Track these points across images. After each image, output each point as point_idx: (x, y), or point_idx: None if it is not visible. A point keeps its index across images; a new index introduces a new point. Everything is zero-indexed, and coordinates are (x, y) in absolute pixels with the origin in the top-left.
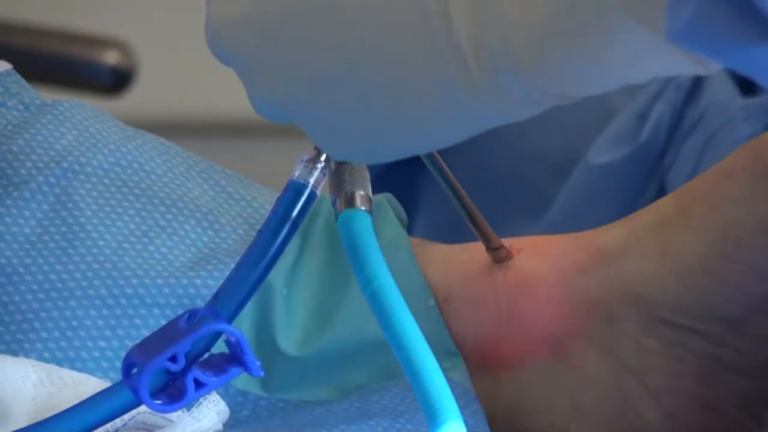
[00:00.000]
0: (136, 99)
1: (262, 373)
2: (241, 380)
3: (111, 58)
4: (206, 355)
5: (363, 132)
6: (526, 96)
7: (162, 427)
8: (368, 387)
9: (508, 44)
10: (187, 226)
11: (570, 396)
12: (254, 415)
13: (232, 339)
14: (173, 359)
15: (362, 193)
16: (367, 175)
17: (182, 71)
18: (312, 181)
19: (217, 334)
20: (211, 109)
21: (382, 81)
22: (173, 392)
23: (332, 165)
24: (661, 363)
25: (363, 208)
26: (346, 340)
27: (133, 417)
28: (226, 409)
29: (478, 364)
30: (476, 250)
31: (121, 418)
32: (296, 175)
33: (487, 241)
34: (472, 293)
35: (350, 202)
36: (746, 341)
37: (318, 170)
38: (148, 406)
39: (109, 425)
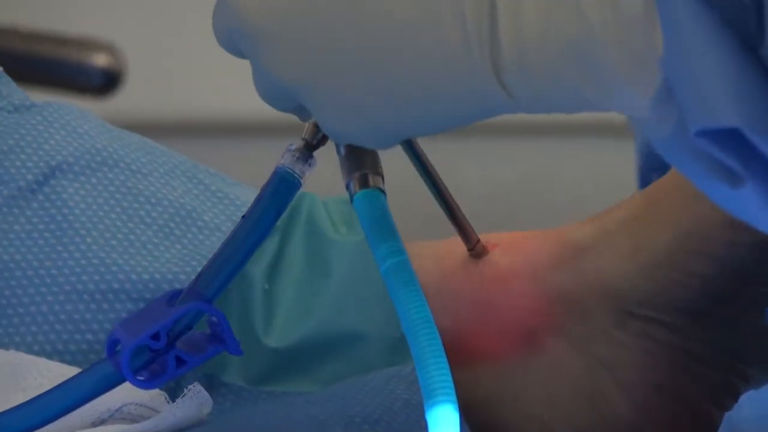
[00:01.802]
0: (124, 101)
1: (242, 352)
2: (224, 372)
3: (100, 60)
4: (188, 334)
5: (384, 112)
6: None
7: (148, 418)
8: (346, 379)
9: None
10: (171, 224)
11: (544, 388)
12: (237, 406)
13: (214, 319)
14: (156, 337)
15: (375, 173)
16: (378, 155)
17: (170, 73)
18: (297, 169)
19: (199, 314)
20: (198, 111)
21: (416, 64)
22: (155, 369)
23: (342, 150)
24: (630, 355)
25: (377, 187)
26: (324, 332)
27: (119, 408)
28: (210, 399)
29: (454, 357)
30: (453, 245)
31: (108, 408)
32: (283, 162)
33: (464, 236)
34: (448, 287)
35: (365, 183)
36: (712, 333)
37: (304, 160)
38: (130, 381)
39: (96, 416)
